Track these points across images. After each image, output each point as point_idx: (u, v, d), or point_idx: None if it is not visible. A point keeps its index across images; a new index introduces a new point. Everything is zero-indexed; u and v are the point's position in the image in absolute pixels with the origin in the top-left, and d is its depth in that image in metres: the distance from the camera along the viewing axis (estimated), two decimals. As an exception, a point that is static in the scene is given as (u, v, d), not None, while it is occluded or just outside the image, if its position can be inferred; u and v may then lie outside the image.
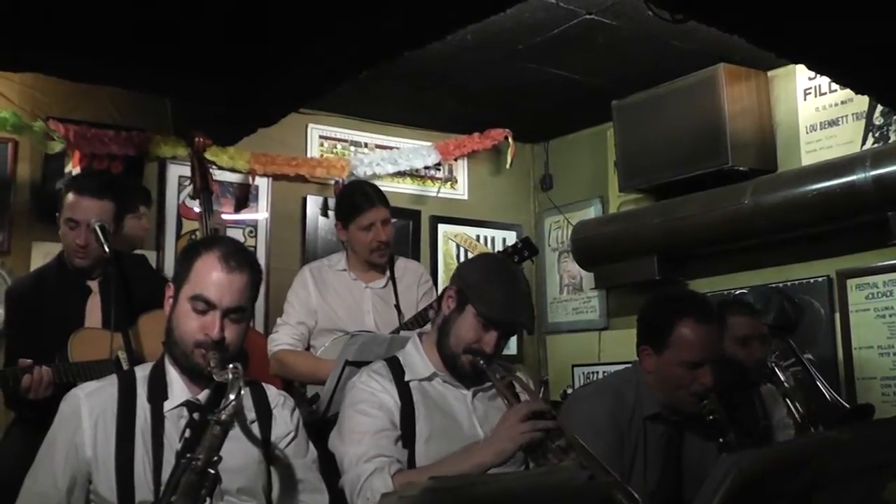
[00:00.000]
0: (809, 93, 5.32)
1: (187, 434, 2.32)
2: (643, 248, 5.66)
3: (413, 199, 6.49)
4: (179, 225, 5.57)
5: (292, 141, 6.00)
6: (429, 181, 6.59)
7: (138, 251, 4.53)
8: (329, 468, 2.70)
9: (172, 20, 3.30)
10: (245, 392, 2.27)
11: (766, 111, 5.45)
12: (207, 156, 5.16)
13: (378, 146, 6.36)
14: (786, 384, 3.76)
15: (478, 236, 6.75)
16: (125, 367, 3.24)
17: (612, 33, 4.86)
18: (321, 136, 6.18)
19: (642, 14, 4.26)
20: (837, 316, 5.07)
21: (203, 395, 2.41)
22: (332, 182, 5.98)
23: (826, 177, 4.73)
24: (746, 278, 5.45)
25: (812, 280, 5.18)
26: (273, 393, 2.60)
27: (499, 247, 6.58)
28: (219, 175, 5.60)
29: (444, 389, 2.84)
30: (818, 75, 5.11)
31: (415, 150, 6.35)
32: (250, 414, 2.48)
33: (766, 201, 4.96)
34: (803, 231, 4.97)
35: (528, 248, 4.23)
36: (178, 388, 2.42)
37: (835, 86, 5.10)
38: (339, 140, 6.25)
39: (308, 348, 4.01)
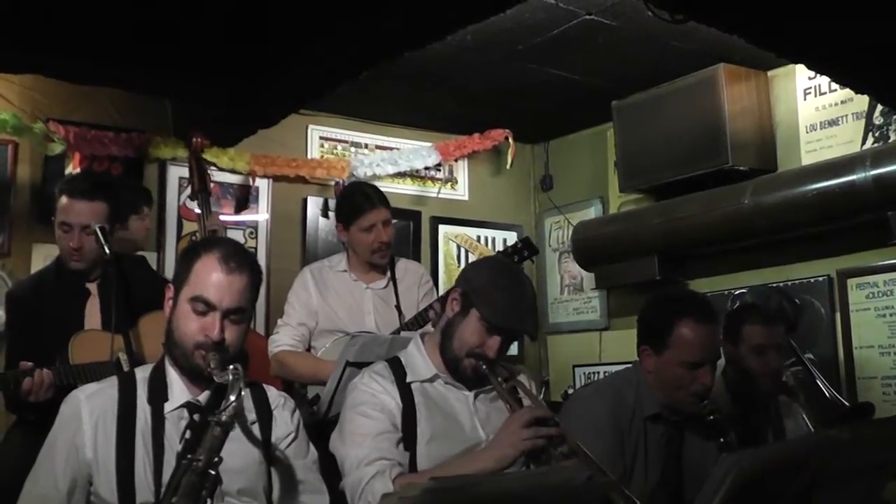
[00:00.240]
0: (809, 92, 5.32)
1: (188, 435, 2.32)
2: (643, 249, 5.65)
3: (413, 199, 6.49)
4: (180, 226, 5.57)
5: (292, 142, 6.00)
6: (429, 182, 6.59)
7: (139, 252, 4.54)
8: (330, 469, 2.70)
9: (172, 21, 3.31)
10: (245, 393, 2.27)
11: (766, 111, 5.45)
12: (208, 157, 5.18)
13: (378, 147, 6.36)
14: (801, 396, 3.72)
15: (478, 237, 6.75)
16: (125, 368, 3.24)
17: (611, 34, 4.86)
18: (321, 137, 6.18)
19: (642, 14, 4.26)
20: (838, 315, 5.07)
21: (203, 397, 2.41)
22: (333, 183, 5.98)
23: (826, 176, 4.73)
24: (747, 278, 5.45)
25: (812, 280, 5.18)
26: (273, 394, 2.60)
27: (499, 247, 6.58)
28: (219, 176, 5.61)
29: (446, 391, 2.83)
30: (818, 75, 5.11)
31: (415, 150, 6.35)
32: (251, 415, 2.48)
33: (767, 201, 4.96)
34: (803, 231, 4.97)
35: (528, 248, 4.23)
36: (179, 390, 2.42)
37: (835, 85, 5.10)
38: (340, 141, 6.25)
39: (309, 349, 4.01)
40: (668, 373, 3.04)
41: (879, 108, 4.97)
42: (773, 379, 3.71)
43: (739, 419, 3.63)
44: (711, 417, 3.01)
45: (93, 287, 3.60)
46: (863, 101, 4.98)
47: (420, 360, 2.86)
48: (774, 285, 5.26)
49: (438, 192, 6.62)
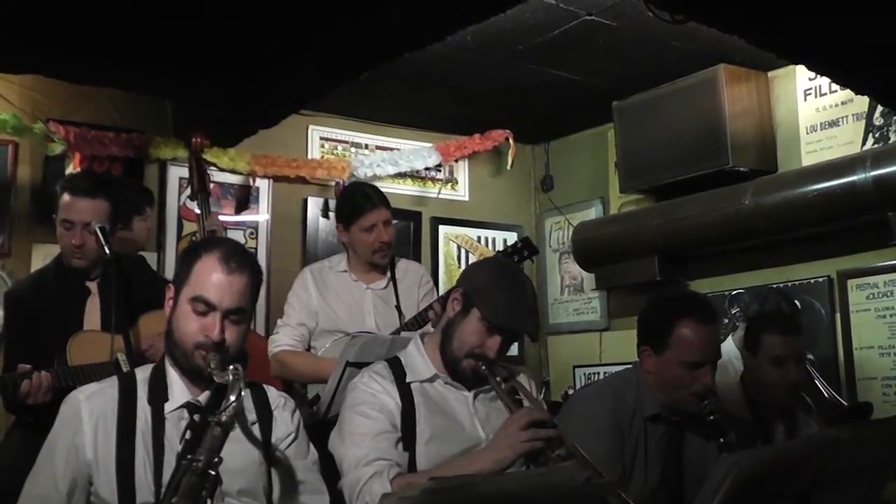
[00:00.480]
0: (810, 93, 5.32)
1: (188, 435, 2.32)
2: (644, 249, 5.65)
3: (414, 200, 6.49)
4: (180, 226, 5.57)
5: (293, 142, 6.00)
6: (429, 182, 6.59)
7: (139, 252, 4.54)
8: (330, 469, 2.70)
9: (172, 21, 3.31)
10: (245, 393, 2.27)
11: (767, 112, 5.45)
12: (208, 157, 5.18)
13: (378, 147, 6.36)
14: (816, 410, 3.67)
15: (479, 237, 6.75)
16: (125, 368, 3.24)
17: (612, 34, 4.86)
18: (322, 138, 6.18)
19: (642, 15, 4.26)
20: (838, 316, 5.07)
21: (203, 397, 2.41)
22: (333, 183, 5.98)
23: (826, 177, 4.73)
24: (747, 279, 5.45)
25: (812, 280, 5.18)
26: (274, 394, 2.60)
27: (499, 248, 6.56)
28: (220, 177, 5.61)
29: (446, 391, 2.83)
30: (818, 76, 5.11)
31: (415, 151, 6.35)
32: (251, 415, 2.48)
33: (767, 202, 4.96)
34: (804, 231, 4.97)
35: (527, 248, 4.23)
36: (179, 390, 2.42)
37: (835, 86, 5.10)
38: (340, 141, 6.25)
39: (309, 349, 4.01)
40: (669, 373, 3.04)
41: (880, 108, 4.97)
42: (790, 391, 3.65)
43: (757, 427, 3.63)
44: (711, 418, 3.01)
45: (93, 286, 3.60)
46: (863, 101, 4.98)
47: (420, 360, 2.86)
48: (775, 286, 5.25)
49: (439, 193, 6.62)
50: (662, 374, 3.06)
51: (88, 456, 2.32)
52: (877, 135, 4.99)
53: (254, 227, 5.83)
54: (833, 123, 5.20)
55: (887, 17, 3.16)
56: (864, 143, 5.02)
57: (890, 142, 4.90)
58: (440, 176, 6.62)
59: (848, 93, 4.88)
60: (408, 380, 2.80)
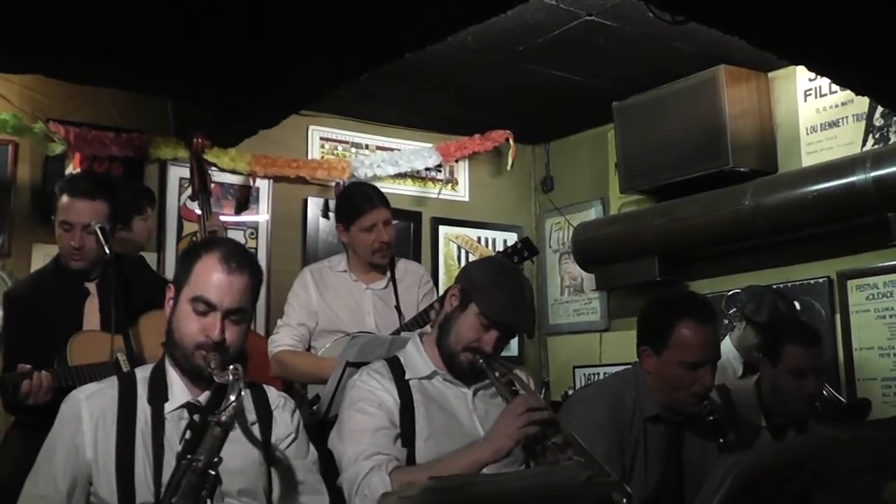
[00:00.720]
0: (810, 94, 5.33)
1: (188, 436, 2.31)
2: (644, 250, 5.66)
3: (414, 200, 6.49)
4: (180, 226, 5.58)
5: (293, 143, 6.00)
6: (429, 183, 6.59)
7: (139, 253, 4.54)
8: (329, 470, 2.70)
9: (173, 22, 3.31)
10: (245, 393, 2.27)
11: (767, 112, 5.45)
12: (208, 157, 5.18)
13: (379, 148, 6.36)
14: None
15: (479, 238, 6.75)
16: (125, 369, 3.24)
17: (612, 35, 4.86)
18: (322, 138, 6.18)
19: (643, 15, 4.27)
20: (838, 317, 5.08)
21: (203, 397, 2.41)
22: (333, 184, 5.99)
23: (826, 178, 4.74)
24: (747, 279, 5.44)
25: (812, 281, 5.18)
26: (273, 394, 2.60)
27: (499, 248, 6.56)
28: (220, 177, 5.61)
29: (445, 388, 2.84)
30: (818, 76, 5.11)
31: (415, 151, 6.36)
32: (251, 415, 2.48)
33: (767, 202, 4.96)
34: (804, 232, 4.97)
35: (527, 249, 4.22)
36: (179, 390, 2.42)
37: (835, 87, 5.11)
38: (340, 142, 6.25)
39: (309, 349, 4.01)
40: (669, 373, 3.03)
41: (880, 109, 4.97)
42: (806, 402, 3.62)
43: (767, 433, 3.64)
44: (711, 418, 3.01)
45: (92, 287, 3.59)
46: (863, 102, 4.98)
47: (418, 357, 2.87)
48: (775, 286, 5.25)
49: (439, 193, 6.62)
50: (662, 374, 3.06)
51: (88, 456, 2.32)
52: (877, 135, 4.99)
53: (254, 228, 5.83)
54: (833, 124, 5.21)
55: (887, 18, 3.17)
56: (864, 144, 5.03)
57: (890, 142, 4.91)
58: (440, 176, 6.63)
59: (848, 93, 4.89)
60: (407, 377, 2.81)
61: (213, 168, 5.38)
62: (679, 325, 3.01)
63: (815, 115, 5.30)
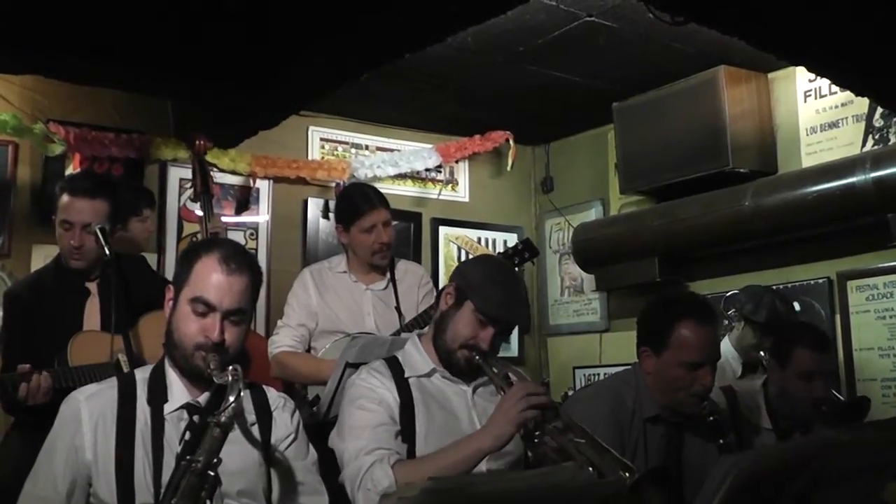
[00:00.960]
0: (810, 95, 5.33)
1: (187, 436, 2.32)
2: (644, 250, 5.66)
3: (414, 201, 6.49)
4: (180, 227, 5.58)
5: (293, 143, 6.00)
6: (430, 183, 6.59)
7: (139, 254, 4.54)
8: (329, 470, 2.70)
9: (173, 23, 3.31)
10: (245, 394, 2.27)
11: (767, 113, 5.45)
12: (208, 158, 5.17)
13: (379, 148, 6.36)
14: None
15: (479, 238, 6.75)
16: (125, 369, 3.24)
17: (612, 35, 4.86)
18: (322, 139, 6.18)
19: (643, 16, 4.27)
20: (838, 317, 5.08)
21: (203, 398, 2.41)
22: (333, 184, 5.98)
23: (826, 178, 4.74)
24: (747, 280, 5.43)
25: (812, 282, 5.18)
26: (273, 395, 2.60)
27: (500, 249, 6.56)
28: (220, 178, 5.61)
29: (444, 385, 2.86)
30: (818, 77, 5.11)
31: (415, 152, 6.36)
32: (250, 416, 2.48)
33: (767, 203, 4.96)
34: (804, 233, 4.98)
35: (528, 250, 4.23)
36: (178, 391, 2.42)
37: (835, 88, 5.11)
38: (340, 142, 6.25)
39: (309, 350, 4.01)
40: (668, 374, 3.03)
41: (879, 110, 4.97)
42: (814, 406, 3.61)
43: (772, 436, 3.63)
44: (711, 419, 3.01)
45: (92, 286, 3.60)
46: (863, 103, 4.98)
47: (417, 356, 2.89)
48: (775, 287, 5.25)
49: (439, 194, 6.62)
50: (662, 374, 3.06)
51: (88, 457, 2.32)
52: (877, 136, 4.99)
53: (254, 228, 5.83)
54: (833, 125, 5.21)
55: (887, 19, 3.17)
56: (863, 145, 5.03)
57: (890, 143, 4.91)
58: (440, 177, 6.63)
59: (848, 94, 4.89)
60: (406, 375, 2.83)
61: (214, 169, 5.37)
62: (679, 326, 3.01)
63: (814, 115, 5.30)
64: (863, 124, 5.07)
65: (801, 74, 5.31)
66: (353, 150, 6.28)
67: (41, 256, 4.82)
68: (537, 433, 2.55)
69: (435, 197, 6.60)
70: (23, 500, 2.37)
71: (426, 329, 3.64)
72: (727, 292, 5.33)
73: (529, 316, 3.57)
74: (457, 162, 6.63)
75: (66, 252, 3.55)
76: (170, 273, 4.95)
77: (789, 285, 5.25)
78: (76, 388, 2.50)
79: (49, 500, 2.32)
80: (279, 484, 2.48)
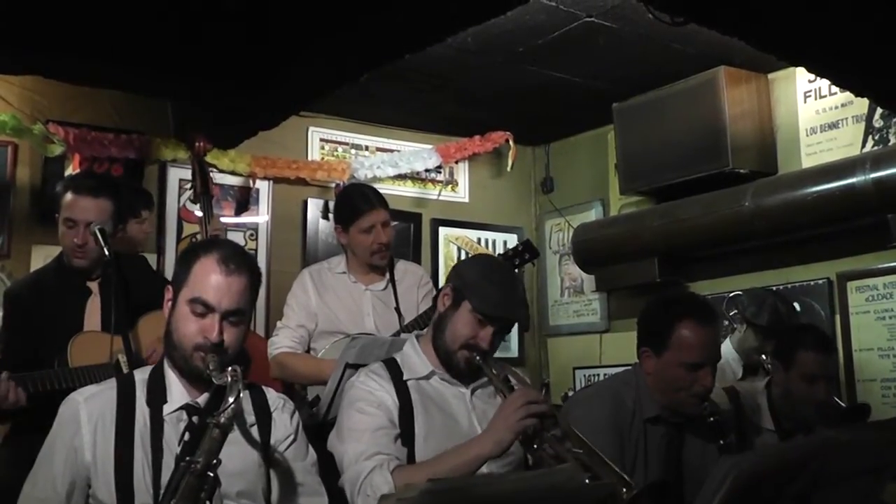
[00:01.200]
0: (809, 95, 5.33)
1: (186, 437, 2.32)
2: (644, 251, 5.66)
3: (414, 202, 6.49)
4: (180, 228, 5.57)
5: (293, 144, 6.00)
6: (429, 184, 6.59)
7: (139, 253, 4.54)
8: (329, 471, 2.70)
9: (173, 23, 3.31)
10: (244, 395, 2.27)
11: (767, 114, 5.45)
12: (208, 159, 5.17)
13: (379, 149, 6.36)
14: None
15: (479, 239, 6.75)
16: (125, 370, 3.23)
17: (612, 36, 4.86)
18: (322, 139, 6.18)
19: (643, 17, 4.27)
20: (837, 318, 5.08)
21: (202, 399, 2.41)
22: (333, 185, 5.98)
23: (826, 179, 4.73)
24: (747, 281, 5.45)
25: (812, 282, 5.18)
26: (273, 396, 2.59)
27: (500, 249, 6.57)
28: (220, 178, 5.60)
29: (443, 387, 2.85)
30: (818, 78, 5.11)
31: (415, 152, 6.35)
32: (250, 417, 2.48)
33: (767, 203, 4.96)
34: (804, 233, 4.97)
35: (529, 251, 4.23)
36: (178, 392, 2.41)
37: (835, 88, 5.10)
38: (340, 143, 6.25)
39: (308, 351, 4.01)
40: (669, 374, 3.03)
41: (879, 111, 4.97)
42: (817, 409, 3.61)
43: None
44: (712, 419, 3.00)
45: (94, 286, 3.59)
46: (863, 104, 4.98)
47: (416, 358, 2.88)
48: (775, 288, 5.25)
49: (439, 195, 6.62)
50: (662, 375, 3.06)
51: (87, 458, 2.32)
52: (876, 137, 4.99)
53: (254, 229, 5.83)
54: (833, 125, 5.21)
55: (887, 20, 3.17)
56: (863, 146, 5.03)
57: (890, 144, 4.91)
58: (440, 178, 6.63)
59: (848, 95, 4.89)
60: (405, 378, 2.82)
61: (213, 170, 5.37)
62: (679, 327, 3.01)
63: (814, 116, 5.30)
64: (863, 125, 5.07)
65: (801, 75, 5.31)
66: (353, 151, 6.27)
67: (41, 257, 4.81)
68: (536, 440, 2.56)
69: (435, 197, 6.60)
70: (22, 501, 2.37)
71: (425, 330, 3.65)
72: (727, 293, 5.33)
73: (528, 314, 3.58)
74: (457, 162, 6.63)
75: (68, 250, 3.55)
76: (169, 274, 4.95)
77: (789, 286, 5.25)
78: (76, 388, 2.50)
79: (48, 501, 2.32)
80: (279, 485, 2.48)
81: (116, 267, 3.44)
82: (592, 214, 6.49)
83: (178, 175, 5.53)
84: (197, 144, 4.65)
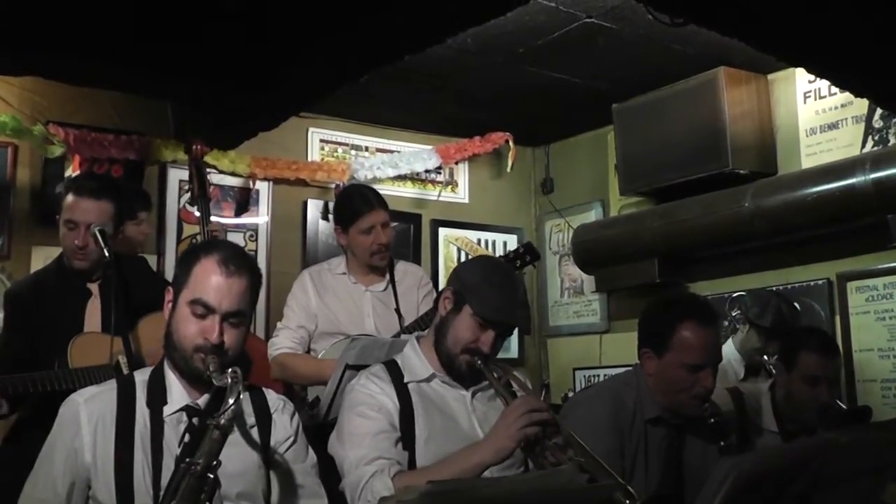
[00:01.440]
0: (809, 96, 5.33)
1: (186, 439, 2.32)
2: (644, 251, 5.66)
3: (414, 202, 6.49)
4: (180, 229, 5.57)
5: (293, 145, 6.00)
6: (429, 185, 6.59)
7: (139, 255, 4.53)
8: (329, 473, 2.70)
9: (173, 24, 3.30)
10: (245, 397, 2.27)
11: (767, 114, 5.45)
12: (208, 159, 5.17)
13: (379, 150, 6.36)
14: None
15: (478, 240, 6.75)
16: (125, 371, 3.23)
17: (612, 37, 4.86)
18: (322, 140, 6.18)
19: (642, 17, 4.28)
20: (837, 318, 5.08)
21: (202, 400, 2.41)
22: (333, 186, 5.98)
23: (826, 180, 4.73)
24: (747, 281, 5.45)
25: (812, 283, 5.18)
26: (273, 397, 2.59)
27: (500, 250, 6.57)
28: (220, 179, 5.61)
29: (443, 390, 2.85)
30: (818, 78, 5.11)
31: (415, 153, 6.35)
32: (250, 419, 2.48)
33: (767, 204, 4.96)
34: (803, 234, 4.97)
35: (530, 254, 4.23)
36: (178, 393, 2.41)
37: (834, 89, 5.10)
38: (340, 144, 6.25)
39: (308, 352, 4.01)
40: (670, 375, 3.03)
41: (879, 111, 4.97)
42: (819, 411, 3.61)
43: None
44: (712, 420, 3.00)
45: (94, 287, 3.59)
46: (863, 104, 4.98)
47: (416, 360, 2.87)
48: (775, 288, 5.25)
49: (439, 195, 6.62)
50: (663, 376, 3.06)
51: (87, 459, 2.32)
52: (876, 137, 4.99)
53: (254, 230, 5.83)
54: (833, 126, 5.21)
55: (887, 20, 3.16)
56: (863, 146, 5.03)
57: (889, 144, 4.91)
58: (440, 178, 6.63)
59: (847, 95, 4.89)
60: (405, 380, 2.82)
61: (213, 171, 5.37)
62: (680, 328, 3.01)
63: (814, 116, 5.30)
64: (862, 125, 5.07)
65: (801, 76, 5.31)
66: (353, 152, 6.27)
67: (41, 258, 4.81)
68: (537, 448, 2.56)
69: (435, 198, 6.60)
70: (22, 502, 2.37)
71: (426, 332, 3.65)
72: (727, 293, 5.34)
73: (529, 317, 3.56)
74: (456, 163, 6.63)
75: (69, 252, 3.55)
76: (170, 275, 4.95)
77: (789, 286, 5.25)
78: (76, 390, 2.49)
79: (48, 502, 2.32)
80: (278, 486, 2.48)
81: (117, 268, 3.44)
82: (592, 215, 6.49)
83: (179, 176, 5.52)
84: (194, 148, 4.65)
